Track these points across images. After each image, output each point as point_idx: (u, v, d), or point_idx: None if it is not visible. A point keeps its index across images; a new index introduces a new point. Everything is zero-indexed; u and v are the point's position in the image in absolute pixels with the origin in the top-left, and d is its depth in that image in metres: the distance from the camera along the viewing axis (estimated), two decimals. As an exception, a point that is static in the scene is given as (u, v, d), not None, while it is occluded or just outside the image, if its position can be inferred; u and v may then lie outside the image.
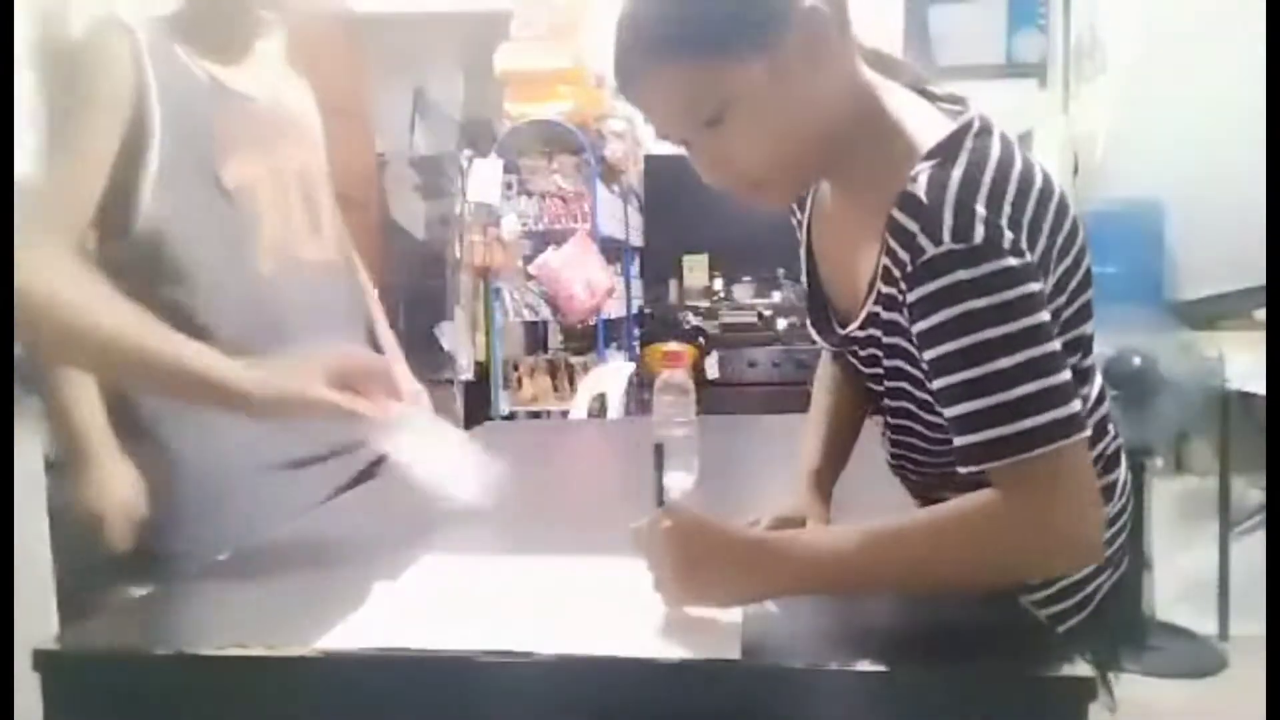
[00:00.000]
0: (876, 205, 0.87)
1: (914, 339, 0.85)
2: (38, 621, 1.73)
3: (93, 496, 1.39)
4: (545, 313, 4.00)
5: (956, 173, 0.83)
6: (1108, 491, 1.04)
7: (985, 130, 0.88)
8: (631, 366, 3.95)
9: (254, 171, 1.44)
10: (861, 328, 0.97)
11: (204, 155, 1.38)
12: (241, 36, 1.47)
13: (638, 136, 4.77)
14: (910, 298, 0.83)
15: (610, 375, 3.75)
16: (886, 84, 0.96)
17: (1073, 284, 0.92)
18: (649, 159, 4.85)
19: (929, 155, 0.86)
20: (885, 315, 0.92)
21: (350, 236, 1.71)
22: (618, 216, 4.38)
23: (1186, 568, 3.13)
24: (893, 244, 0.85)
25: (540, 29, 3.91)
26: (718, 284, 4.70)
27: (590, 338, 4.11)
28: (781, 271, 4.68)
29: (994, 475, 0.79)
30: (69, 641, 0.78)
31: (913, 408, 0.99)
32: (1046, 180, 0.88)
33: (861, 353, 1.01)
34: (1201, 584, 3.10)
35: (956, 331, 0.79)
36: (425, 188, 4.91)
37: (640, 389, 3.83)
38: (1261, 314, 3.10)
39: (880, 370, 0.99)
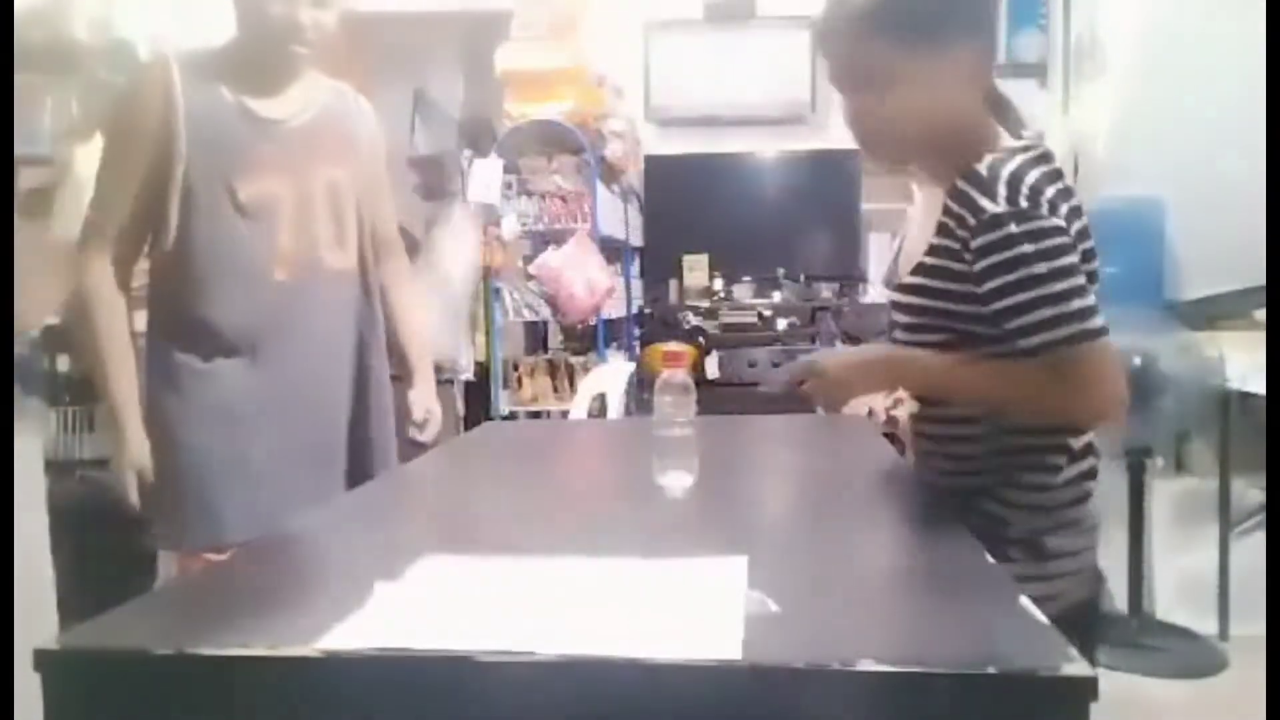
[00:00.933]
0: (945, 192, 1.22)
1: (969, 279, 1.18)
2: (38, 621, 1.73)
3: (118, 456, 1.60)
4: (545, 313, 3.99)
5: (1012, 164, 1.18)
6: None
7: (1044, 155, 1.24)
8: (631, 366, 3.94)
9: (273, 189, 1.61)
10: (913, 274, 1.27)
11: (224, 176, 1.57)
12: (279, 70, 1.63)
13: (638, 136, 4.77)
14: (974, 244, 1.16)
15: (610, 375, 3.74)
16: (994, 122, 1.28)
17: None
18: (649, 159, 4.85)
19: (994, 156, 1.20)
20: (930, 262, 1.24)
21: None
22: (618, 216, 4.38)
23: (1186, 568, 3.13)
24: (954, 206, 1.19)
25: (540, 29, 3.91)
26: (718, 284, 4.69)
27: (590, 338, 4.11)
28: (781, 271, 4.67)
29: (1045, 363, 1.14)
30: (69, 641, 0.78)
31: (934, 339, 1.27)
32: (1079, 204, 1.22)
33: (904, 300, 1.30)
34: (1201, 584, 3.10)
35: (1012, 267, 1.13)
36: (425, 188, 4.91)
37: (640, 389, 3.83)
38: (1261, 314, 3.10)
39: (917, 310, 1.28)
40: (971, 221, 1.16)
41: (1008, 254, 1.13)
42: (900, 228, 1.47)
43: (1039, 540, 1.24)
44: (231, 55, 1.62)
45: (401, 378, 1.87)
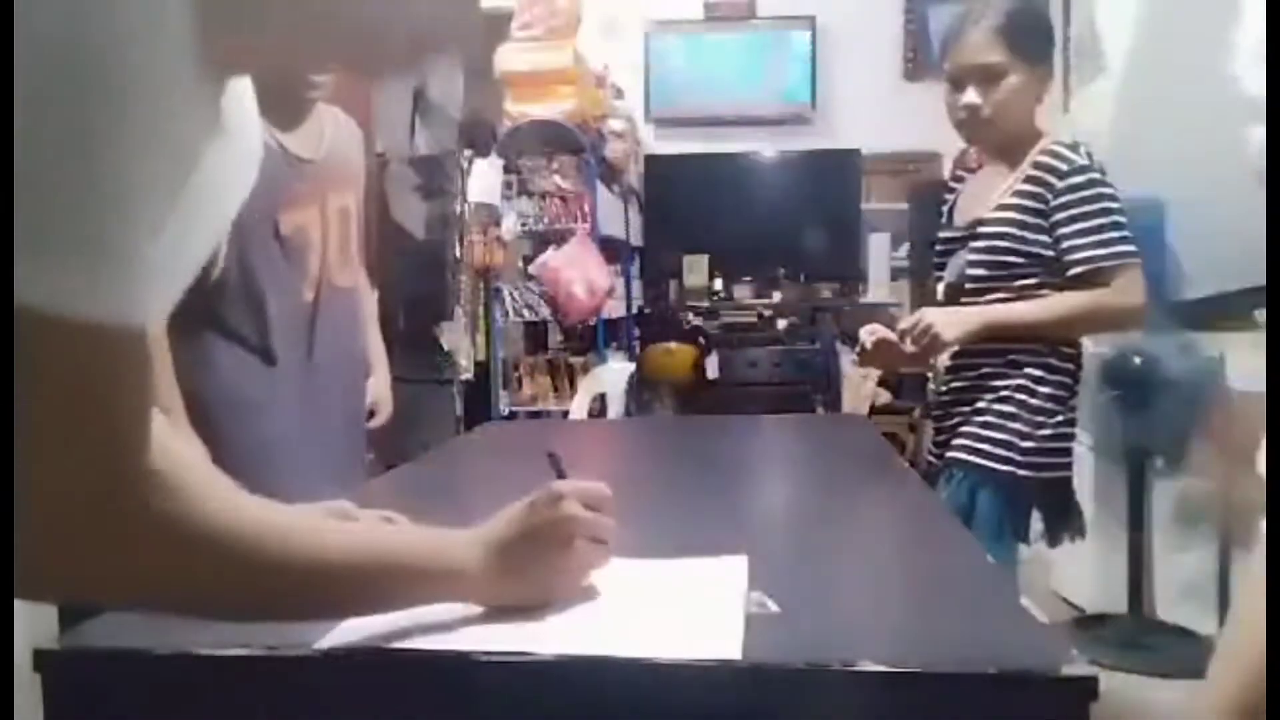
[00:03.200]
0: (1015, 169, 1.75)
1: (1047, 215, 1.68)
2: (38, 621, 1.73)
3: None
4: (545, 313, 4.00)
5: (1078, 145, 1.72)
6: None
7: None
8: (631, 366, 3.95)
9: (304, 219, 1.73)
10: (994, 210, 1.73)
11: (269, 212, 1.67)
12: (299, 101, 1.73)
13: (638, 136, 4.77)
14: (1060, 185, 1.66)
15: (610, 375, 3.75)
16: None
17: None
18: (649, 159, 4.86)
19: (1052, 142, 1.74)
20: (1014, 201, 1.71)
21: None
22: (618, 216, 4.39)
23: (1186, 568, 3.12)
24: (1045, 160, 1.70)
25: (540, 29, 3.91)
26: (718, 284, 4.69)
27: (590, 338, 4.11)
28: (781, 271, 4.67)
29: (1107, 273, 1.63)
30: (69, 641, 0.78)
31: (996, 274, 1.74)
32: None
33: (982, 229, 1.74)
34: (1201, 584, 3.10)
35: (1094, 200, 1.65)
36: (425, 188, 4.91)
37: (640, 389, 3.83)
38: (1261, 314, 3.10)
39: (994, 237, 1.73)
40: (1063, 168, 1.65)
41: (1090, 192, 1.64)
42: (951, 195, 1.92)
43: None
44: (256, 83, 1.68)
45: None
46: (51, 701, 0.75)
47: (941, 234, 1.87)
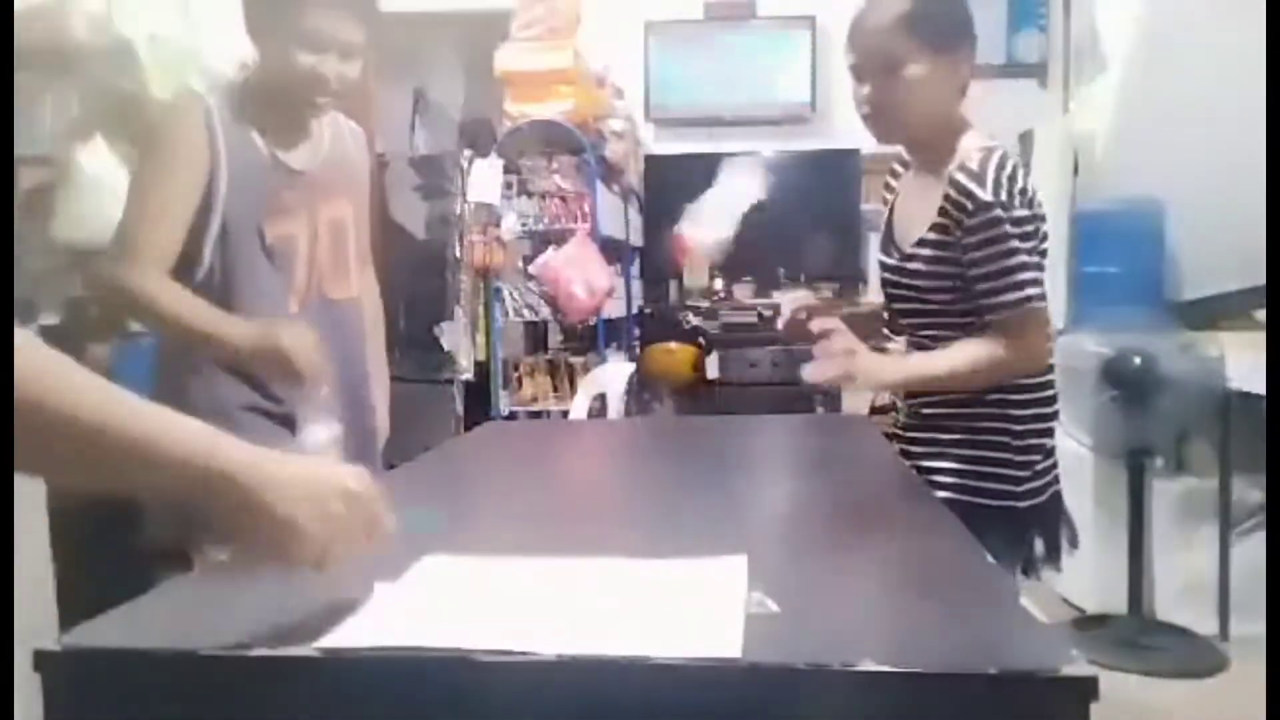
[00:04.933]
0: (940, 176, 1.57)
1: (960, 250, 1.53)
2: (38, 621, 1.73)
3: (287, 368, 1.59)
4: (545, 313, 4.00)
5: (994, 159, 1.52)
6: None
7: (1008, 154, 1.56)
8: (631, 367, 3.94)
9: (292, 230, 1.69)
10: (916, 246, 1.61)
11: (255, 220, 1.64)
12: (299, 118, 1.70)
13: (638, 136, 4.77)
14: (968, 222, 1.51)
15: (610, 375, 3.75)
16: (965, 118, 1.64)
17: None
18: (649, 159, 4.85)
19: (979, 152, 1.54)
20: (933, 237, 1.58)
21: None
22: (618, 216, 4.38)
23: (1186, 568, 3.12)
24: (953, 194, 1.52)
25: (540, 29, 3.91)
26: (718, 284, 4.69)
27: (590, 338, 4.11)
28: (781, 271, 4.67)
29: (1006, 323, 1.51)
30: (69, 641, 0.78)
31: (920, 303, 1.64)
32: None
33: (909, 266, 1.62)
34: (1201, 584, 3.10)
35: (996, 241, 1.50)
36: (425, 188, 4.91)
37: (640, 389, 3.83)
38: (1261, 314, 3.10)
39: (920, 275, 1.61)
40: (968, 205, 1.51)
41: (991, 233, 1.50)
42: (889, 197, 1.79)
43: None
44: (254, 95, 1.66)
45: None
46: (51, 701, 0.75)
47: (882, 257, 1.76)
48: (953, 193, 1.53)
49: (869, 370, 1.55)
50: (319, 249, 1.74)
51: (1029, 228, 1.51)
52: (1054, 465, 1.68)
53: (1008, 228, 1.49)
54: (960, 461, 1.62)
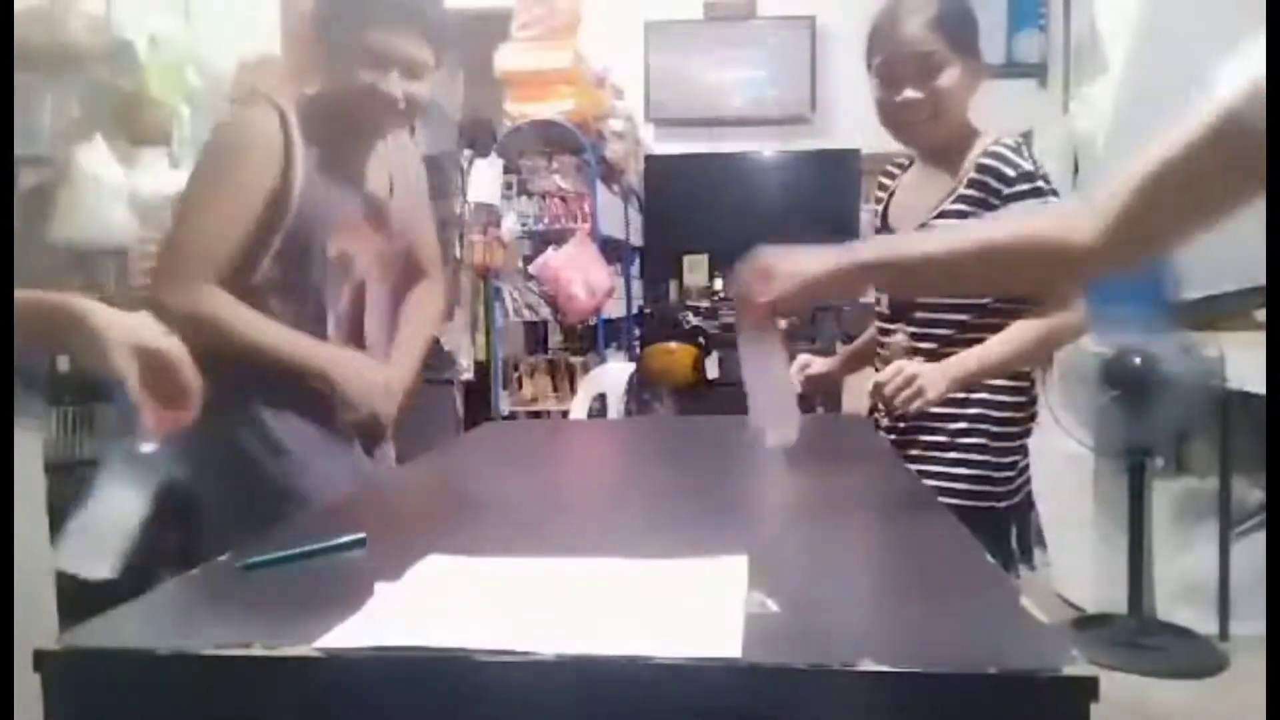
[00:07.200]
0: (949, 171, 1.65)
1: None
2: (38, 621, 1.73)
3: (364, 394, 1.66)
4: (545, 313, 4.00)
5: (1016, 143, 1.64)
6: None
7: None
8: (631, 366, 3.94)
9: (351, 248, 1.67)
10: (936, 219, 1.62)
11: (321, 235, 1.62)
12: (363, 135, 1.67)
13: (638, 136, 4.77)
14: (1007, 192, 1.56)
15: (610, 375, 3.75)
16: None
17: None
18: (649, 159, 4.86)
19: (997, 140, 1.64)
20: (957, 208, 1.60)
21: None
22: (618, 216, 4.39)
23: (1186, 568, 3.12)
24: (991, 163, 1.59)
25: (540, 29, 3.91)
26: (718, 284, 4.69)
27: (590, 338, 4.11)
28: (782, 271, 4.67)
29: None
30: (69, 641, 0.78)
31: None
32: None
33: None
34: (1201, 584, 3.10)
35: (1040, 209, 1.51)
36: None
37: (640, 389, 3.83)
38: (1261, 314, 3.10)
39: None
40: (1009, 174, 1.56)
41: (1034, 201, 1.54)
42: (884, 193, 1.82)
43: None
44: (321, 110, 1.62)
45: None
46: (51, 701, 0.75)
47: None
48: (989, 163, 1.59)
49: (934, 381, 1.52)
50: (371, 265, 1.71)
51: (1056, 200, 1.60)
52: (1028, 463, 1.70)
53: (1049, 197, 1.57)
54: (942, 464, 1.63)
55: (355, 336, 1.72)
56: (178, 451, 1.07)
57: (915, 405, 1.53)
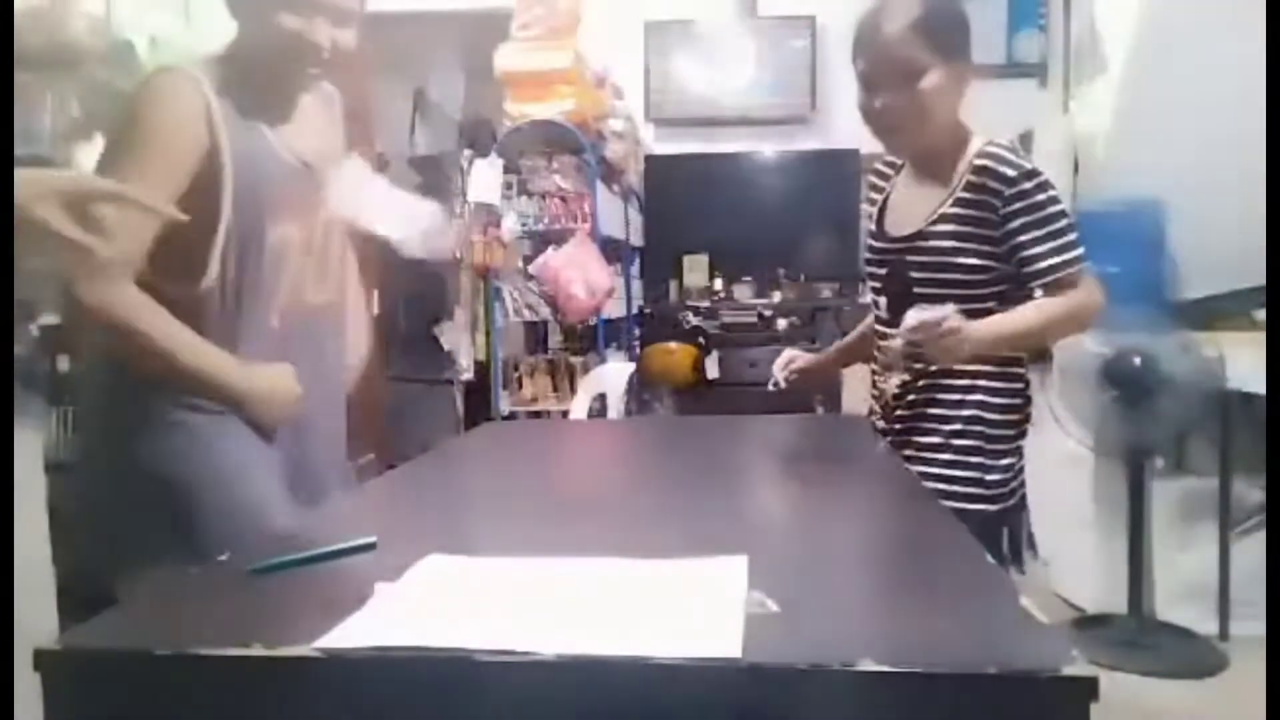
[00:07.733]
0: (941, 177, 1.63)
1: (1000, 219, 1.56)
2: (38, 621, 1.73)
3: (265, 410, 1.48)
4: (545, 313, 3.99)
5: (1012, 144, 1.62)
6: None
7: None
8: (631, 367, 3.94)
9: (287, 230, 1.49)
10: (935, 223, 1.62)
11: (260, 220, 1.43)
12: (289, 92, 1.49)
13: (638, 136, 4.76)
14: (1009, 193, 1.55)
15: (610, 375, 3.75)
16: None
17: None
18: (649, 159, 4.85)
19: (988, 144, 1.61)
20: (956, 211, 1.60)
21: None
22: (618, 216, 4.38)
23: (1186, 568, 3.12)
24: (990, 164, 1.56)
25: (540, 29, 3.90)
26: (718, 284, 4.69)
27: (590, 338, 4.11)
28: (782, 271, 4.67)
29: (1071, 279, 1.55)
30: (69, 641, 0.78)
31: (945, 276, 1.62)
32: None
33: (926, 244, 1.63)
34: (1201, 584, 3.10)
35: (1045, 205, 1.55)
36: (425, 188, 4.91)
37: (640, 389, 3.83)
38: (1261, 314, 3.10)
39: (941, 251, 1.62)
40: (1010, 174, 1.54)
41: (1036, 198, 1.54)
42: (879, 195, 1.83)
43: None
44: (236, 68, 1.44)
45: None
46: (51, 701, 0.75)
47: (874, 242, 1.76)
48: (987, 164, 1.57)
49: (978, 337, 1.49)
50: (307, 252, 1.53)
51: (1060, 195, 1.58)
52: (1022, 467, 1.69)
53: (1052, 192, 1.55)
54: (938, 465, 1.63)
55: (288, 347, 1.52)
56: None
57: (950, 358, 1.51)
